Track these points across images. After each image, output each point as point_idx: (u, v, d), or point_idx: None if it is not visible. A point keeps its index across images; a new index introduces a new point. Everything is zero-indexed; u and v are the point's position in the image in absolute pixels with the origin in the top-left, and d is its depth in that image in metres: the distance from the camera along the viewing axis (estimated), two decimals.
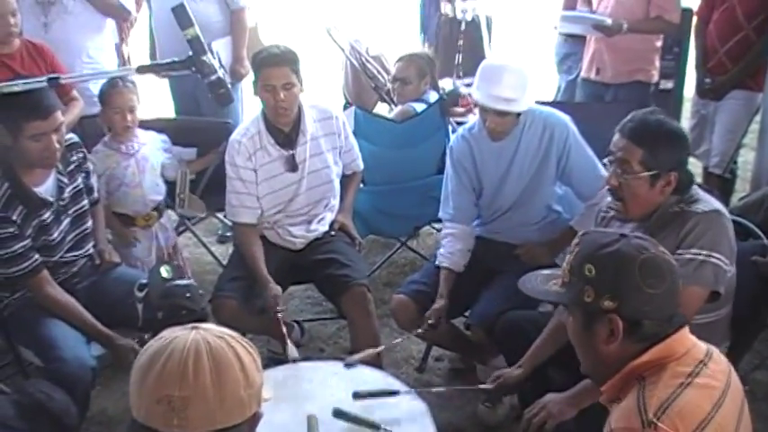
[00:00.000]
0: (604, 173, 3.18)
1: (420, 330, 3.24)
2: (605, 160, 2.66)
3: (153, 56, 5.32)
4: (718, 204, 2.58)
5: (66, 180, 3.15)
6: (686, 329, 1.81)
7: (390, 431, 2.43)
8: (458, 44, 5.90)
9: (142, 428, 1.55)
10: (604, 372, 1.84)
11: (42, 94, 2.85)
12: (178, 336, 1.59)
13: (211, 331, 1.61)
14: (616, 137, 2.59)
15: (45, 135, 2.92)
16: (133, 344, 3.00)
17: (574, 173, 3.37)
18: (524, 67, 3.31)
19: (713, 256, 2.47)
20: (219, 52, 4.50)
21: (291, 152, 3.53)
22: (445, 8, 6.00)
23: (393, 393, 2.59)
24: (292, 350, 3.13)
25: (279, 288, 3.34)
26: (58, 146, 2.98)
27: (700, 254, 2.47)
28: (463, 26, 5.94)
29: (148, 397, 1.54)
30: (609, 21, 4.59)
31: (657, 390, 1.67)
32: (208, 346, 1.56)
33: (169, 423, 1.52)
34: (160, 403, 1.52)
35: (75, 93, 3.96)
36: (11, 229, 2.92)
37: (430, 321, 3.20)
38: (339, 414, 2.49)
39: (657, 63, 4.91)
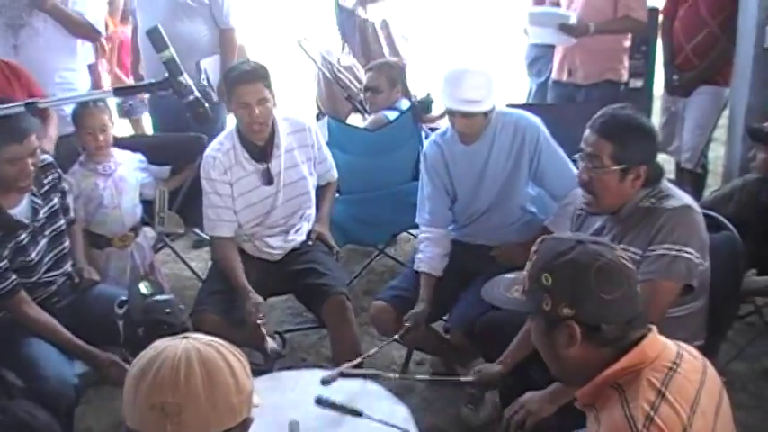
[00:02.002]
0: (576, 173, 3.23)
1: (397, 336, 3.25)
2: (576, 156, 2.70)
3: (135, 70, 5.31)
4: (688, 199, 2.62)
5: (40, 201, 3.16)
6: (655, 333, 1.83)
7: (371, 416, 2.45)
8: (378, 44, 5.94)
9: None
10: (572, 374, 1.87)
11: (19, 118, 2.84)
12: (169, 345, 1.63)
13: (201, 340, 1.65)
14: (587, 132, 2.63)
15: (21, 159, 2.93)
16: (114, 357, 3.00)
17: (546, 174, 3.41)
18: (486, 68, 3.36)
19: (685, 251, 2.50)
20: (208, 70, 4.54)
21: (266, 165, 3.55)
22: (359, 11, 6.03)
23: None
24: (272, 344, 3.20)
25: (259, 297, 3.34)
26: (32, 169, 2.99)
27: (672, 249, 2.50)
28: (380, 30, 5.98)
29: (142, 404, 1.57)
30: (573, 19, 4.65)
31: (640, 401, 1.68)
32: (198, 353, 1.60)
33: (163, 429, 1.55)
34: (153, 410, 1.55)
35: (50, 110, 3.94)
36: None
37: (407, 324, 3.22)
38: (321, 402, 2.53)
39: (626, 62, 4.97)
